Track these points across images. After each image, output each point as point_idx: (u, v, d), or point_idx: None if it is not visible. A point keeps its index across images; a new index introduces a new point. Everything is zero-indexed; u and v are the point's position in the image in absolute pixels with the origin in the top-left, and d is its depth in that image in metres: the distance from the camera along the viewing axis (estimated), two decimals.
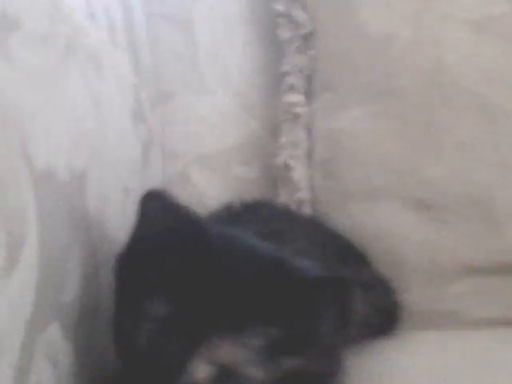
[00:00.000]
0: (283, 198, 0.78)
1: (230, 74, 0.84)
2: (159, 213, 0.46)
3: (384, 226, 0.76)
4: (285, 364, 0.45)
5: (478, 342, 0.66)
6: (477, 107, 0.74)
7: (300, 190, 0.77)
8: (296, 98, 0.80)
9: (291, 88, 0.80)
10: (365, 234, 0.75)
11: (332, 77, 0.79)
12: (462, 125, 0.74)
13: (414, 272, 0.75)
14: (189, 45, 0.83)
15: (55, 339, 0.43)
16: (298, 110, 0.80)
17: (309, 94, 0.81)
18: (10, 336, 0.34)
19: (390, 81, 0.76)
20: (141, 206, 0.46)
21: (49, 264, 0.40)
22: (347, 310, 0.43)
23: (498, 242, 0.74)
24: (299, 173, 0.78)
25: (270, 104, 0.83)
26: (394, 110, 0.76)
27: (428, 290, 0.75)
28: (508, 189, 0.73)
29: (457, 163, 0.74)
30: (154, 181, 0.73)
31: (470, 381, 0.55)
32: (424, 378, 0.57)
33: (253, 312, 0.43)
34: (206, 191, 0.81)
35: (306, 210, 0.77)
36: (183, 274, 0.44)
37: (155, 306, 0.44)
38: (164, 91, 0.83)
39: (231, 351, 0.43)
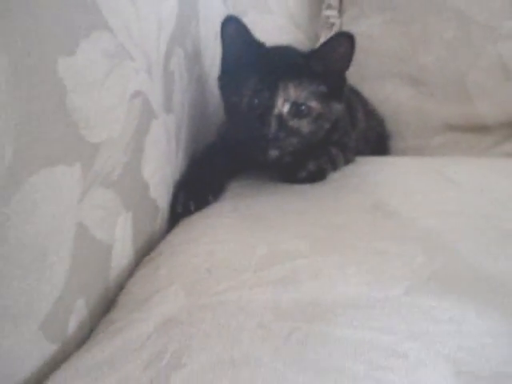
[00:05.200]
0: None
1: (287, 0, 1.18)
2: (236, 30, 0.73)
3: (388, 96, 1.08)
4: (332, 106, 0.74)
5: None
6: (456, 17, 1.05)
7: None
8: (332, 12, 1.13)
9: (329, 6, 1.14)
10: (374, 102, 1.07)
11: None
12: (446, 29, 1.06)
13: (408, 128, 1.06)
14: None
15: None
16: (333, 20, 1.13)
17: (340, 10, 1.14)
18: None
19: None
20: (222, 26, 0.73)
21: None
22: (350, 54, 0.72)
23: (468, 108, 1.04)
24: None
25: (313, 20, 1.17)
26: (399, 18, 1.09)
27: (417, 140, 1.06)
28: (476, 72, 1.04)
29: (441, 54, 1.05)
30: None
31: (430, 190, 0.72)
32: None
33: (305, 74, 0.72)
34: None
35: None
36: (261, 59, 0.74)
37: (249, 81, 0.72)
38: (239, 10, 1.16)
39: (297, 91, 0.71)
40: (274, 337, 0.40)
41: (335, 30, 1.13)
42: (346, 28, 1.12)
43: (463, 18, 1.05)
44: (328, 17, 1.13)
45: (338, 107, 0.76)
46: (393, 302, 0.45)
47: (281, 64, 0.73)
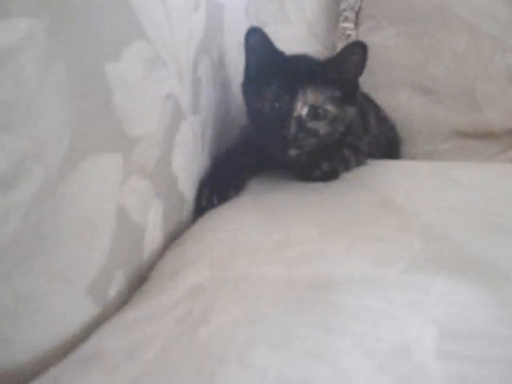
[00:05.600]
0: None
1: (304, 11, 1.25)
2: (259, 40, 0.81)
3: (401, 104, 1.14)
4: (346, 110, 0.81)
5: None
6: (466, 30, 1.12)
7: None
8: (348, 24, 1.21)
9: (345, 19, 1.21)
10: (387, 109, 1.13)
11: (372, 10, 1.20)
12: (456, 41, 1.12)
13: (419, 134, 1.13)
14: None
15: None
16: (349, 32, 1.20)
17: (356, 22, 1.21)
18: None
19: (410, 12, 1.16)
20: (246, 36, 0.81)
21: None
22: (363, 62, 0.79)
23: (476, 115, 1.10)
24: None
25: (330, 31, 1.24)
26: (412, 31, 1.15)
27: (427, 146, 1.12)
28: (484, 82, 1.10)
29: (451, 64, 1.12)
30: None
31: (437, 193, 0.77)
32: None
33: (322, 80, 0.79)
34: None
35: None
36: (281, 67, 0.81)
37: (271, 87, 0.79)
38: (261, 21, 1.24)
39: (315, 96, 0.78)
40: (286, 301, 0.47)
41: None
42: (362, 40, 1.19)
43: (473, 30, 1.11)
44: (345, 28, 1.20)
45: (351, 110, 0.83)
46: (391, 278, 0.51)
47: (299, 71, 0.80)
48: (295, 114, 0.77)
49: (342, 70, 0.80)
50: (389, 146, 1.05)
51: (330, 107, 0.80)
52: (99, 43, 0.49)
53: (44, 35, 0.43)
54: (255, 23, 1.20)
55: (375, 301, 0.47)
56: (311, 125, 0.79)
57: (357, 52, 0.78)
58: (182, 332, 0.43)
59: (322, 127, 0.79)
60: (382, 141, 1.02)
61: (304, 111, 0.78)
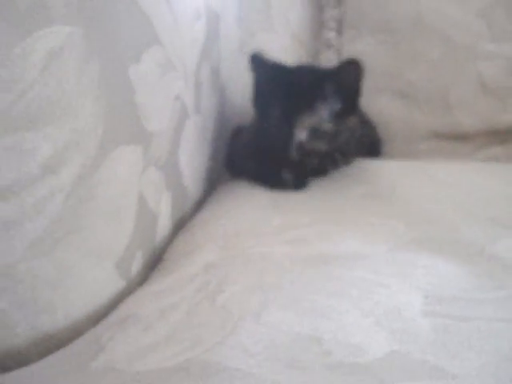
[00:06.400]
0: None
1: (290, 21, 1.33)
2: (262, 63, 0.89)
3: (381, 108, 1.22)
4: (347, 120, 0.88)
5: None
6: (441, 40, 1.20)
7: None
8: (331, 34, 1.29)
9: (329, 28, 1.29)
10: (369, 113, 1.21)
11: (354, 20, 1.28)
12: (431, 49, 1.21)
13: (398, 136, 1.20)
14: (265, 2, 1.32)
15: None
16: (332, 41, 1.28)
17: (338, 32, 1.29)
18: None
19: (389, 23, 1.24)
20: (251, 60, 0.90)
21: None
22: (360, 77, 0.86)
23: (451, 118, 1.18)
24: None
25: (314, 40, 1.32)
26: (391, 40, 1.24)
27: (406, 146, 1.20)
28: (458, 87, 1.19)
29: (427, 71, 1.20)
30: None
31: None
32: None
33: (320, 100, 0.85)
34: None
35: None
36: (282, 91, 0.87)
37: (273, 109, 0.86)
38: (250, 30, 1.31)
39: (313, 119, 0.84)
40: (290, 274, 0.54)
41: (334, 49, 1.27)
42: (344, 48, 1.27)
43: (447, 40, 1.20)
44: (328, 38, 1.28)
45: (352, 120, 0.90)
46: (379, 255, 0.59)
47: (299, 94, 0.86)
48: (296, 139, 0.84)
49: (341, 84, 0.86)
50: (371, 146, 1.12)
51: (329, 125, 0.86)
52: (123, 48, 0.56)
53: (80, 40, 0.49)
54: (245, 33, 1.27)
55: (368, 273, 0.54)
56: (311, 145, 0.85)
57: (353, 71, 0.85)
58: (202, 299, 0.50)
59: (321, 145, 0.86)
60: (365, 142, 1.09)
61: (303, 136, 0.84)
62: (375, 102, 1.22)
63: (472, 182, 0.86)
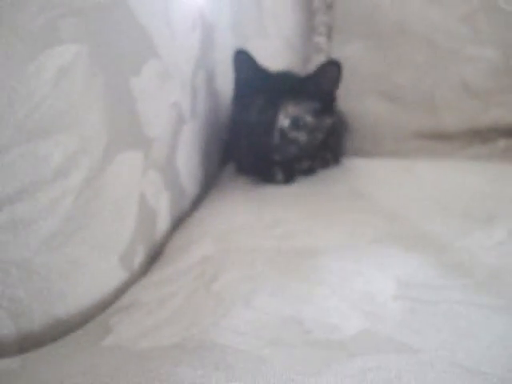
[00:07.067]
0: None
1: (282, 27, 1.38)
2: (245, 60, 0.93)
3: (368, 110, 1.28)
4: (324, 120, 0.93)
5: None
6: (426, 45, 1.25)
7: None
8: (321, 39, 1.34)
9: (319, 33, 1.35)
10: (356, 115, 1.27)
11: (343, 26, 1.34)
12: (417, 53, 1.26)
13: (384, 136, 1.26)
14: (258, 7, 1.38)
15: None
16: (323, 46, 1.34)
17: (328, 37, 1.35)
18: None
19: (376, 29, 1.30)
20: (234, 57, 0.94)
21: None
22: (338, 78, 0.93)
23: (435, 119, 1.24)
24: None
25: (305, 44, 1.38)
26: (378, 45, 1.29)
27: (392, 146, 1.26)
28: (442, 90, 1.24)
29: (412, 74, 1.25)
30: None
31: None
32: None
33: (303, 93, 0.91)
34: None
35: None
36: (265, 84, 0.93)
37: (257, 102, 0.90)
38: (244, 36, 1.37)
39: (295, 109, 0.90)
40: (278, 265, 0.60)
41: (324, 54, 1.33)
42: (334, 52, 1.33)
43: (432, 45, 1.25)
44: (318, 42, 1.34)
45: (329, 121, 0.95)
46: (359, 247, 0.65)
47: (282, 87, 0.92)
48: (278, 125, 0.89)
49: (320, 84, 0.92)
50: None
51: (310, 118, 0.91)
52: (125, 62, 0.62)
53: (86, 57, 0.55)
54: (239, 39, 1.33)
55: (348, 263, 0.61)
56: (292, 134, 0.90)
57: (332, 70, 0.91)
58: (198, 287, 0.56)
59: (302, 136, 0.91)
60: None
61: (286, 123, 0.89)
62: (363, 103, 1.28)
63: (452, 180, 0.92)
